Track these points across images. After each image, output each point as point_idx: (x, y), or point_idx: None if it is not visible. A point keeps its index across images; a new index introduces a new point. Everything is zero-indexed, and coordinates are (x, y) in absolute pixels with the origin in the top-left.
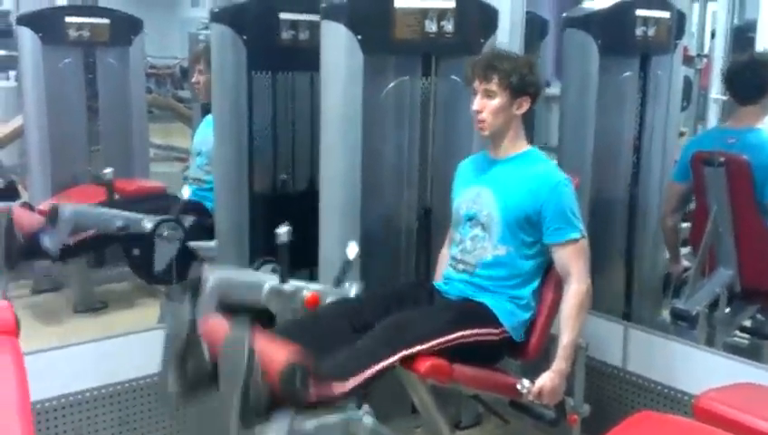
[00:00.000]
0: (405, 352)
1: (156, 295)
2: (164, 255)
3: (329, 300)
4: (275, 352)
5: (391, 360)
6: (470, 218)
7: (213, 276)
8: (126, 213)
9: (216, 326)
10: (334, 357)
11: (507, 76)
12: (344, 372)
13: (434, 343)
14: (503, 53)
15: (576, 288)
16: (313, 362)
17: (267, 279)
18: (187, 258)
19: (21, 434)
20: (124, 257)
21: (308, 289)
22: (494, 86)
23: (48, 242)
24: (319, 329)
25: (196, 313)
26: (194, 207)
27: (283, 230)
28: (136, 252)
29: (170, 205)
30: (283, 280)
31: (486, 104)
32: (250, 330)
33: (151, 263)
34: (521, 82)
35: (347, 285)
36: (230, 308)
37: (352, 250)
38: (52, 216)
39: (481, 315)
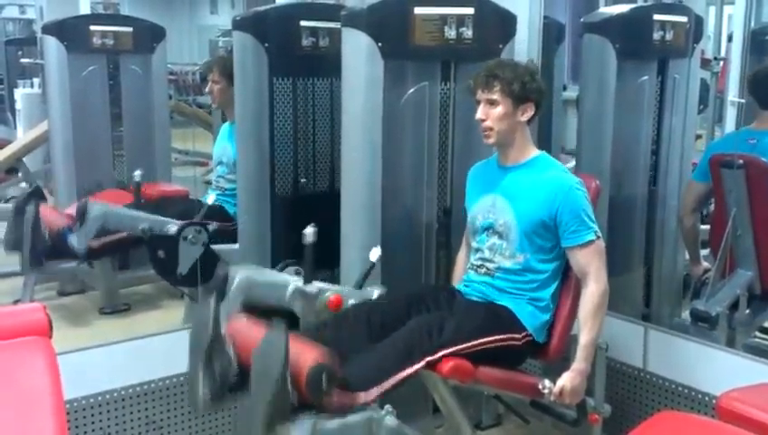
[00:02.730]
0: (429, 358)
1: (179, 298)
2: (188, 258)
3: (351, 302)
4: (304, 353)
5: (415, 368)
6: (487, 228)
7: (238, 276)
8: (152, 216)
9: (246, 328)
10: (357, 364)
11: (509, 84)
12: (368, 381)
13: (457, 348)
14: (504, 61)
15: (594, 289)
16: (338, 368)
17: (291, 280)
18: (210, 261)
19: (55, 432)
20: (149, 260)
21: (331, 291)
22: (496, 95)
23: (75, 241)
24: (341, 333)
25: (221, 312)
26: (217, 211)
27: (309, 231)
28: (161, 254)
29: (194, 209)
30: (307, 281)
31: (490, 113)
32: (287, 334)
33: (176, 265)
34: (522, 90)
35: (369, 287)
36: (254, 308)
37: (375, 253)
38: (81, 213)
39: (503, 320)
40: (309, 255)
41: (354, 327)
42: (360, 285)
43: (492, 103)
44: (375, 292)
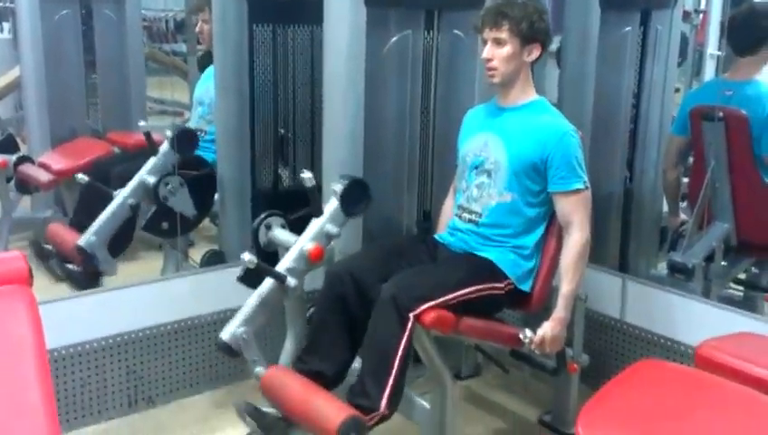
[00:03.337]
0: (413, 314)
1: (156, 248)
2: (170, 209)
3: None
4: (328, 408)
5: (407, 333)
6: (476, 166)
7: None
8: (129, 185)
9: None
10: (361, 382)
11: (518, 23)
12: (377, 398)
13: (440, 300)
14: (512, 0)
15: (577, 238)
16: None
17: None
18: (189, 211)
19: (38, 380)
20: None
21: (307, 244)
22: (504, 33)
23: (102, 266)
24: (323, 336)
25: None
26: (196, 160)
27: (307, 175)
28: (146, 211)
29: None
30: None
31: (496, 52)
32: None
33: (160, 219)
34: (531, 29)
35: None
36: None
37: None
38: (85, 256)
39: (486, 271)
40: (314, 197)
41: (343, 295)
42: (320, 211)
43: (499, 43)
44: (335, 229)
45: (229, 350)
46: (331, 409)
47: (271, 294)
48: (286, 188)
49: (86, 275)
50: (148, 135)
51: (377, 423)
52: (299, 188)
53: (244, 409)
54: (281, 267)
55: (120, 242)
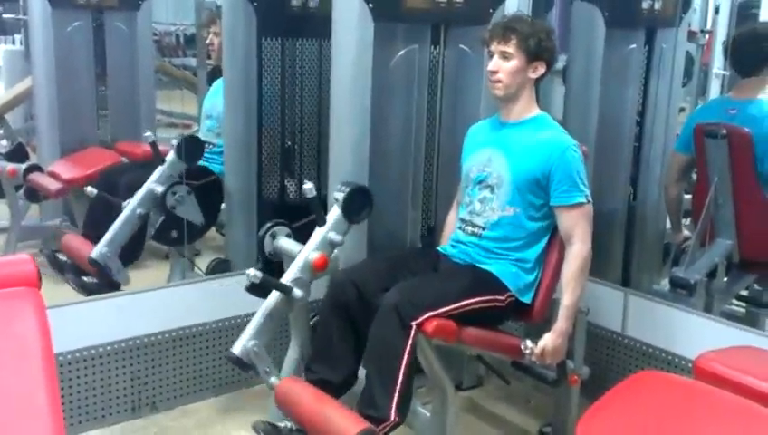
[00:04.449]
0: (415, 323)
1: (162, 257)
2: (175, 216)
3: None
4: (344, 420)
5: (410, 341)
6: (480, 181)
7: None
8: (138, 195)
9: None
10: (369, 392)
11: (525, 39)
12: (386, 407)
13: (442, 310)
14: (522, 16)
15: (578, 251)
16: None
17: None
18: (197, 219)
19: (45, 382)
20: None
21: (312, 254)
22: (511, 48)
23: (116, 276)
24: (328, 342)
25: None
26: (202, 170)
27: (308, 186)
28: (153, 219)
29: None
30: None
31: (502, 66)
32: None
33: (168, 228)
34: (538, 47)
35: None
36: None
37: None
38: (99, 268)
39: (487, 283)
40: (316, 206)
41: (346, 303)
42: (323, 221)
43: (506, 56)
44: (339, 237)
45: (241, 363)
46: (345, 421)
47: (277, 306)
48: (292, 199)
49: (102, 286)
50: (153, 145)
51: (388, 432)
52: (304, 199)
53: (262, 429)
54: (286, 278)
55: (131, 251)
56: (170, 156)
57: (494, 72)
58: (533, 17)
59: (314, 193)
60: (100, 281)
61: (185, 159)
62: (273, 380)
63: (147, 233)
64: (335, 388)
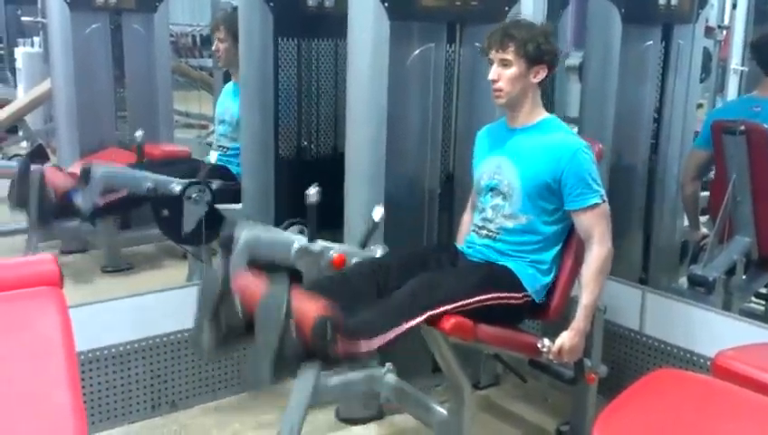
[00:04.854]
0: (431, 313)
1: (181, 257)
2: (192, 216)
3: (354, 260)
4: (307, 306)
5: (417, 320)
6: (491, 189)
7: (244, 234)
8: (155, 175)
9: (251, 282)
10: (361, 315)
11: (523, 45)
12: (371, 330)
13: (459, 304)
14: (519, 21)
15: (597, 252)
16: (342, 319)
17: (296, 239)
18: (214, 220)
19: (68, 380)
20: (153, 219)
21: (335, 250)
22: (510, 55)
23: (80, 201)
24: (346, 287)
25: (228, 269)
26: (220, 170)
27: (312, 191)
28: (165, 213)
29: (196, 169)
30: (310, 240)
31: (503, 73)
32: (288, 286)
33: (180, 224)
34: (537, 51)
35: (372, 247)
36: (260, 265)
37: (378, 213)
38: (85, 175)
39: (504, 279)
40: (312, 214)
41: (358, 282)
42: (363, 245)
43: (505, 64)
44: (378, 251)
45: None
46: (309, 304)
47: None
48: None
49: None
50: (140, 146)
51: (348, 353)
52: (322, 199)
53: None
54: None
55: (114, 205)
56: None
57: (495, 81)
58: (549, 14)
59: (317, 199)
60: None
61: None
62: None
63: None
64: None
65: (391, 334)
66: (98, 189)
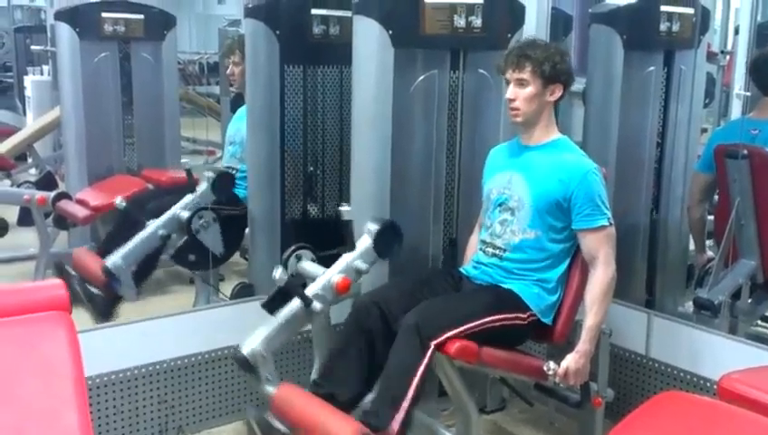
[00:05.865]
0: (435, 342)
1: (187, 282)
2: (200, 242)
3: (361, 267)
4: (339, 424)
5: (427, 358)
6: (500, 204)
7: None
8: (163, 217)
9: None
10: (375, 404)
11: (540, 64)
12: (387, 419)
13: (462, 328)
14: (536, 41)
15: (602, 274)
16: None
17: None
18: (221, 245)
19: (76, 404)
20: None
21: (336, 276)
22: (526, 75)
23: (122, 291)
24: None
25: None
26: (231, 198)
27: (345, 208)
28: (176, 243)
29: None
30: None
31: (519, 93)
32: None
33: (189, 250)
34: (553, 71)
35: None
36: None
37: (345, 210)
38: (110, 276)
39: (509, 301)
40: (349, 230)
41: (369, 326)
42: (353, 246)
43: (522, 83)
44: (365, 265)
45: (246, 364)
46: (339, 422)
47: (295, 316)
48: (315, 224)
49: (107, 298)
50: (189, 172)
51: None
52: (327, 223)
53: (255, 415)
54: (308, 292)
55: (143, 271)
56: (202, 186)
57: (512, 100)
58: (551, 41)
59: (350, 217)
60: (106, 294)
61: (217, 193)
62: (270, 388)
63: (163, 253)
64: (340, 405)
65: (407, 402)
66: (128, 277)
